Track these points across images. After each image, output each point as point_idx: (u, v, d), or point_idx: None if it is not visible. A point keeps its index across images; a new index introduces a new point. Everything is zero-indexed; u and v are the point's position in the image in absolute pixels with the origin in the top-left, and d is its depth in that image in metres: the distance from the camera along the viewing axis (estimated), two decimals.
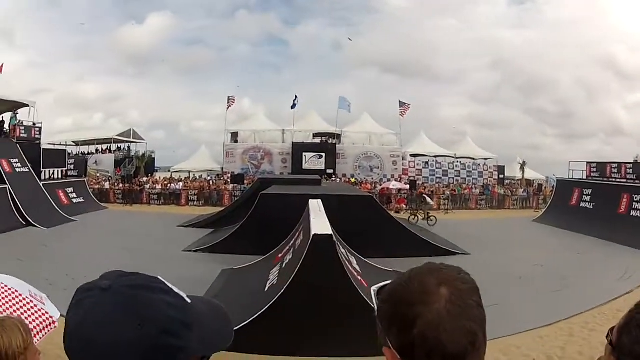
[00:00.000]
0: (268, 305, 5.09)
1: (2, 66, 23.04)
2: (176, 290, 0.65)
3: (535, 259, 10.06)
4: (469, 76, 46.82)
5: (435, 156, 31.14)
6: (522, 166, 31.65)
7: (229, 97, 31.80)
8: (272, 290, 5.54)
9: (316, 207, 6.97)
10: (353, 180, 27.22)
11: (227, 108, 31.82)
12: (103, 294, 0.59)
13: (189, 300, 0.66)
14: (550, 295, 7.42)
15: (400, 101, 31.21)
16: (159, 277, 0.65)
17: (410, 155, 31.00)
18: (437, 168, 30.43)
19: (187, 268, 8.29)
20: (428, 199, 18.48)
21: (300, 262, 5.12)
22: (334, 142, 30.77)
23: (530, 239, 13.49)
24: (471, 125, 43.00)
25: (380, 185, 25.98)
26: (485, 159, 31.70)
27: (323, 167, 28.22)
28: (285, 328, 4.86)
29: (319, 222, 5.90)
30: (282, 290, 5.10)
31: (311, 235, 5.17)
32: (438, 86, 53.30)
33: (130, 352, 0.57)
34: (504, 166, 31.43)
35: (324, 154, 29.15)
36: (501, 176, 30.47)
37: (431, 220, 15.91)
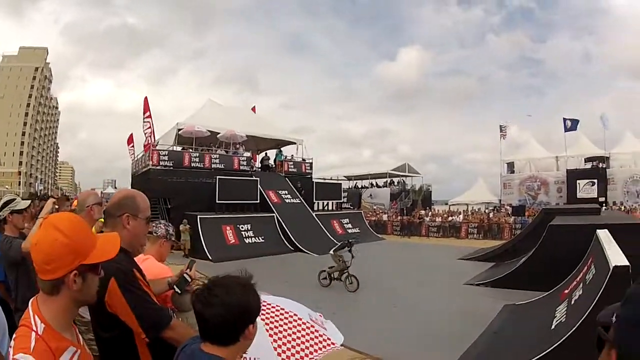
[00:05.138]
0: (557, 344, 4.62)
1: (254, 108, 25.34)
2: None
3: None
4: None
5: None
6: None
7: (500, 126, 30.76)
8: (560, 329, 4.97)
9: (606, 237, 5.85)
10: (622, 207, 23.55)
11: (501, 138, 30.66)
12: None
13: None
14: None
15: None
16: None
17: None
18: None
19: (468, 301, 8.23)
20: None
21: (597, 297, 4.42)
22: (604, 166, 26.57)
23: None
24: None
25: None
26: None
27: (596, 195, 25.02)
28: None
29: (614, 253, 4.96)
30: (575, 328, 4.51)
31: (610, 267, 4.41)
32: None
33: None
34: None
35: (596, 181, 25.64)
36: None
37: None
